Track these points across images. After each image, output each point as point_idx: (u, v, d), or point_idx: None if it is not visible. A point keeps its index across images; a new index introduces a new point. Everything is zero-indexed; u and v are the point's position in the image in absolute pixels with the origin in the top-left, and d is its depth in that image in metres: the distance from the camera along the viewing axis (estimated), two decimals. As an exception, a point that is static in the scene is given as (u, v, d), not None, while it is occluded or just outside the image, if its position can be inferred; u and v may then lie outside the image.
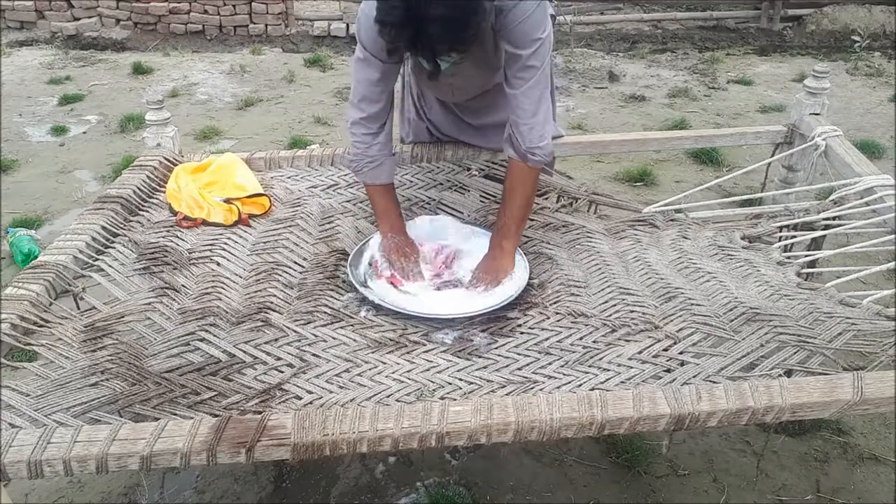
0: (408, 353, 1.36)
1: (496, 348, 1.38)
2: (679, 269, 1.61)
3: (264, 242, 1.70)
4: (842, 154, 1.89)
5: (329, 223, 1.79)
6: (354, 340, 1.39)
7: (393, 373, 1.30)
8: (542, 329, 1.43)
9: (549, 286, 1.57)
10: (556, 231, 1.78)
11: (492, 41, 1.54)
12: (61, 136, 4.27)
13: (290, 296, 1.53)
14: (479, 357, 1.35)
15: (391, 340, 1.39)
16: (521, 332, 1.43)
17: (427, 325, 1.46)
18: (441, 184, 1.94)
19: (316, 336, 1.40)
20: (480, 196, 1.91)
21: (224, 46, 6.28)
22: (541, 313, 1.48)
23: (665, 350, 1.34)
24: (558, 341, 1.39)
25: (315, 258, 1.66)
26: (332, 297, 1.52)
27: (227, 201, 1.78)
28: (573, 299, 1.51)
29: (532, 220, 1.80)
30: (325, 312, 1.47)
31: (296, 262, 1.64)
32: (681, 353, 1.33)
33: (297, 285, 1.56)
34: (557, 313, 1.47)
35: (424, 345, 1.38)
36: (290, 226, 1.76)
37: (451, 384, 1.28)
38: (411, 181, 1.94)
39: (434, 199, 1.89)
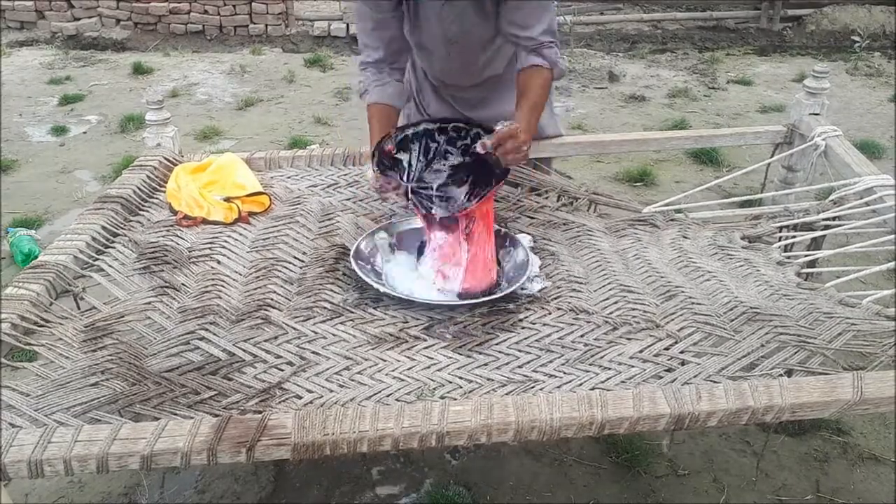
0: (408, 348, 1.36)
1: (497, 344, 1.38)
2: (679, 268, 1.61)
3: (264, 239, 1.70)
4: (841, 154, 1.89)
5: (329, 220, 1.79)
6: (354, 336, 1.39)
7: (393, 371, 1.30)
8: (544, 325, 1.43)
9: (551, 281, 1.57)
10: (556, 229, 1.78)
11: None
12: (61, 136, 4.27)
13: (290, 291, 1.53)
14: (480, 354, 1.35)
15: (391, 336, 1.39)
16: (523, 328, 1.42)
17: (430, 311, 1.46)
18: None
19: (315, 333, 1.40)
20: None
21: (224, 46, 6.29)
22: (542, 308, 1.48)
23: (666, 349, 1.34)
24: (559, 338, 1.39)
25: (315, 252, 1.66)
26: (331, 291, 1.52)
27: (227, 200, 1.78)
28: (574, 295, 1.51)
29: (532, 217, 1.80)
30: (325, 308, 1.47)
31: (295, 258, 1.65)
32: (682, 352, 1.33)
33: (296, 280, 1.57)
34: (559, 309, 1.47)
35: (425, 340, 1.38)
36: (289, 222, 1.76)
37: (451, 382, 1.28)
38: (411, 181, 1.94)
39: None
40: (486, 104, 1.91)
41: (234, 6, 6.37)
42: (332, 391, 1.26)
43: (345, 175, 1.98)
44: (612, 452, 1.93)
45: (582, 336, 1.39)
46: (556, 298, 1.51)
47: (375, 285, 1.49)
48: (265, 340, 1.37)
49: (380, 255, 1.63)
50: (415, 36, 1.77)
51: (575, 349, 1.35)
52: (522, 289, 1.53)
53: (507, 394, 1.24)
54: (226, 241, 1.68)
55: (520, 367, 1.32)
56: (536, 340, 1.38)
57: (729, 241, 1.72)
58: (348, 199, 1.89)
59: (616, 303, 1.48)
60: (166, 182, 1.86)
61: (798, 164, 2.08)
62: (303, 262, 1.63)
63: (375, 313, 1.46)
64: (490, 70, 1.87)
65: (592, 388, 1.24)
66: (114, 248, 1.60)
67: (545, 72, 1.66)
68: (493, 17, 1.69)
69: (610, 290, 1.53)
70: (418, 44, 1.80)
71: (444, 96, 1.95)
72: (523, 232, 1.73)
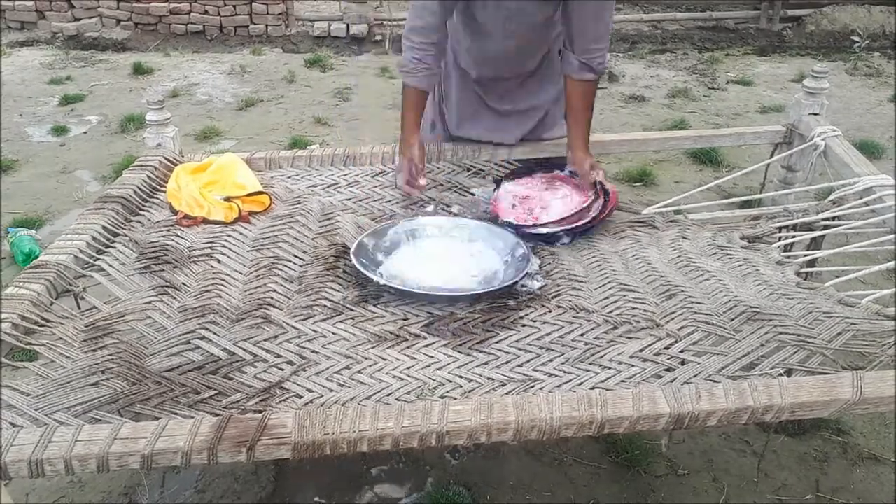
0: (408, 347, 1.36)
1: (497, 342, 1.38)
2: (679, 268, 1.61)
3: (264, 238, 1.70)
4: (841, 154, 1.89)
5: (329, 219, 1.79)
6: (354, 335, 1.39)
7: (393, 370, 1.31)
8: (544, 323, 1.43)
9: (551, 279, 1.57)
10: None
11: None
12: (62, 136, 4.28)
13: (290, 290, 1.53)
14: (480, 352, 1.35)
15: (391, 334, 1.39)
16: (523, 325, 1.43)
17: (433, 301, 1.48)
18: (441, 184, 1.95)
19: (315, 332, 1.40)
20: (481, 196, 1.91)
21: (224, 47, 6.29)
22: (543, 306, 1.48)
23: (666, 348, 1.34)
24: (559, 337, 1.39)
25: (315, 251, 1.67)
26: (331, 289, 1.53)
27: (228, 199, 1.78)
28: (575, 294, 1.51)
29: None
30: (325, 306, 1.47)
31: (295, 256, 1.65)
32: (681, 351, 1.33)
33: (296, 279, 1.57)
34: (559, 307, 1.47)
35: (425, 338, 1.39)
36: (290, 222, 1.76)
37: (451, 381, 1.28)
38: (411, 181, 1.94)
39: (433, 200, 1.89)
40: (511, 97, 1.96)
41: (234, 6, 6.37)
42: (332, 390, 1.26)
43: (345, 175, 1.98)
44: (611, 452, 1.93)
45: (582, 335, 1.39)
46: (556, 296, 1.51)
47: (374, 277, 1.50)
48: (265, 340, 1.37)
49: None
50: (478, 16, 1.78)
51: (575, 348, 1.36)
52: (523, 286, 1.53)
53: (507, 393, 1.24)
54: (226, 241, 1.68)
55: (520, 365, 1.32)
56: (537, 339, 1.38)
57: (728, 241, 1.72)
58: (348, 199, 1.89)
59: (616, 302, 1.49)
60: (166, 182, 1.86)
61: (797, 164, 2.08)
62: (303, 260, 1.64)
63: (375, 311, 1.46)
64: (531, 63, 1.91)
65: (592, 388, 1.25)
66: (114, 247, 1.60)
67: (596, 83, 1.83)
68: (555, 11, 1.76)
69: (610, 288, 1.53)
70: (476, 26, 1.81)
71: (470, 86, 1.97)
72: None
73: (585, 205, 1.74)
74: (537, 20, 1.77)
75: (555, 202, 1.80)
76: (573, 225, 1.72)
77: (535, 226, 1.72)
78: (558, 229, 1.71)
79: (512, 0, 1.71)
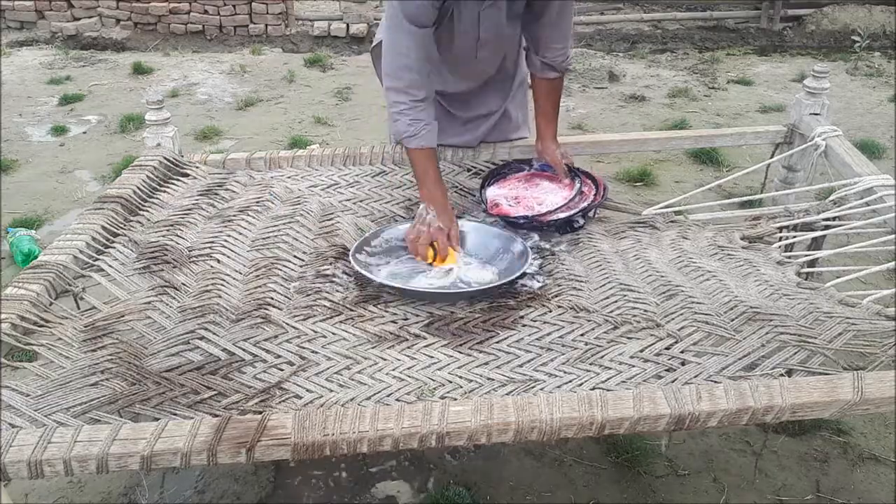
0: (408, 347, 1.36)
1: (497, 342, 1.38)
2: (679, 268, 1.61)
3: (264, 239, 1.70)
4: (842, 154, 1.89)
5: (329, 220, 1.79)
6: (354, 335, 1.39)
7: (393, 370, 1.30)
8: (545, 322, 1.43)
9: (552, 278, 1.57)
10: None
11: None
12: (61, 136, 4.27)
13: (290, 290, 1.53)
14: (480, 352, 1.35)
15: (391, 334, 1.39)
16: (524, 325, 1.42)
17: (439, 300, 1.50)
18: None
19: (315, 332, 1.40)
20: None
21: (224, 46, 6.29)
22: (543, 306, 1.48)
23: (667, 349, 1.34)
24: (560, 337, 1.39)
25: (314, 251, 1.67)
26: (331, 289, 1.52)
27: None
28: (575, 293, 1.51)
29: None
30: (325, 306, 1.47)
31: (295, 256, 1.65)
32: (682, 351, 1.33)
33: (296, 279, 1.57)
34: (559, 307, 1.47)
35: (425, 338, 1.38)
36: (289, 222, 1.76)
37: (451, 382, 1.28)
38: (412, 181, 1.94)
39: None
40: (479, 101, 2.00)
41: (234, 6, 6.37)
42: (332, 391, 1.26)
43: (345, 175, 1.98)
44: (612, 452, 1.93)
45: (583, 335, 1.39)
46: (556, 296, 1.51)
47: (372, 277, 1.50)
48: (265, 340, 1.37)
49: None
50: (447, 41, 1.77)
51: (576, 348, 1.35)
52: (523, 285, 1.53)
53: (507, 394, 1.24)
54: (226, 241, 1.68)
55: (520, 366, 1.32)
56: (537, 339, 1.38)
57: (729, 241, 1.72)
58: (348, 200, 1.89)
59: (616, 301, 1.48)
60: (166, 182, 1.86)
61: (798, 164, 2.08)
62: (302, 260, 1.64)
63: (375, 311, 1.46)
64: (492, 70, 1.94)
65: (593, 388, 1.24)
66: (114, 247, 1.60)
67: (561, 80, 1.91)
68: (519, 19, 1.79)
69: (610, 288, 1.53)
70: (448, 50, 1.81)
71: (443, 106, 1.98)
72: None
73: (577, 188, 1.81)
74: (503, 44, 1.84)
75: (544, 196, 1.83)
76: (584, 205, 1.77)
77: (550, 212, 1.75)
78: (574, 212, 1.75)
79: (486, 31, 1.74)
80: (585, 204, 1.78)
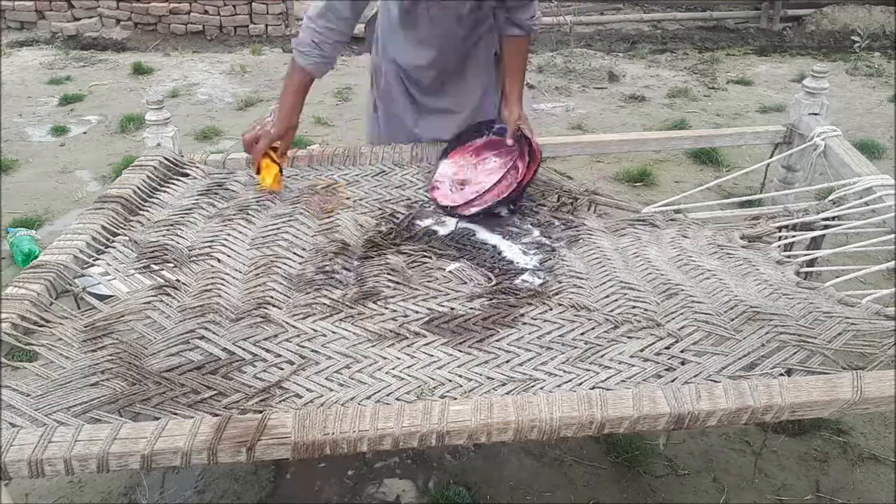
0: (408, 345, 1.36)
1: (497, 340, 1.38)
2: (679, 267, 1.61)
3: (263, 237, 1.70)
4: (841, 154, 1.89)
5: (328, 217, 1.79)
6: (354, 334, 1.39)
7: (393, 369, 1.30)
8: (545, 321, 1.43)
9: (552, 275, 1.57)
10: (556, 228, 1.78)
11: None
12: (61, 136, 4.28)
13: (290, 288, 1.53)
14: (480, 351, 1.35)
15: (391, 332, 1.39)
16: (524, 323, 1.42)
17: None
18: (416, 184, 1.95)
19: (315, 330, 1.40)
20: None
21: (224, 47, 6.29)
22: (543, 303, 1.48)
23: (667, 348, 1.34)
24: (560, 335, 1.39)
25: (314, 248, 1.67)
26: (331, 287, 1.52)
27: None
28: (576, 291, 1.51)
29: (532, 218, 1.80)
30: (324, 304, 1.47)
31: (295, 254, 1.65)
32: (682, 351, 1.33)
33: (296, 277, 1.57)
34: (560, 305, 1.47)
35: (425, 336, 1.38)
36: (289, 220, 1.76)
37: (451, 381, 1.28)
38: (412, 181, 1.94)
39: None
40: (446, 92, 2.02)
41: (234, 6, 6.38)
42: (331, 390, 1.26)
43: (345, 175, 1.98)
44: (611, 452, 1.93)
45: (583, 334, 1.39)
46: (557, 294, 1.51)
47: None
48: (265, 339, 1.37)
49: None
50: (418, 24, 1.82)
51: (576, 347, 1.35)
52: (524, 281, 1.53)
53: (507, 393, 1.24)
54: (225, 240, 1.68)
55: (520, 364, 1.32)
56: (537, 337, 1.38)
57: (728, 240, 1.72)
58: (347, 199, 1.89)
59: (616, 300, 1.48)
60: (166, 182, 1.86)
61: (798, 164, 2.08)
62: (302, 258, 1.64)
63: (375, 308, 1.46)
64: (461, 57, 1.97)
65: (593, 388, 1.24)
66: (114, 247, 1.60)
67: (526, 41, 1.91)
68: None
69: (611, 287, 1.53)
70: (417, 33, 1.85)
71: (410, 92, 2.03)
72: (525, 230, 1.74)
73: (507, 168, 1.79)
74: (463, 11, 1.85)
75: (485, 178, 1.85)
76: (503, 196, 1.75)
77: (465, 205, 1.77)
78: (488, 204, 1.75)
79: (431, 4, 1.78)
80: (507, 194, 1.76)
